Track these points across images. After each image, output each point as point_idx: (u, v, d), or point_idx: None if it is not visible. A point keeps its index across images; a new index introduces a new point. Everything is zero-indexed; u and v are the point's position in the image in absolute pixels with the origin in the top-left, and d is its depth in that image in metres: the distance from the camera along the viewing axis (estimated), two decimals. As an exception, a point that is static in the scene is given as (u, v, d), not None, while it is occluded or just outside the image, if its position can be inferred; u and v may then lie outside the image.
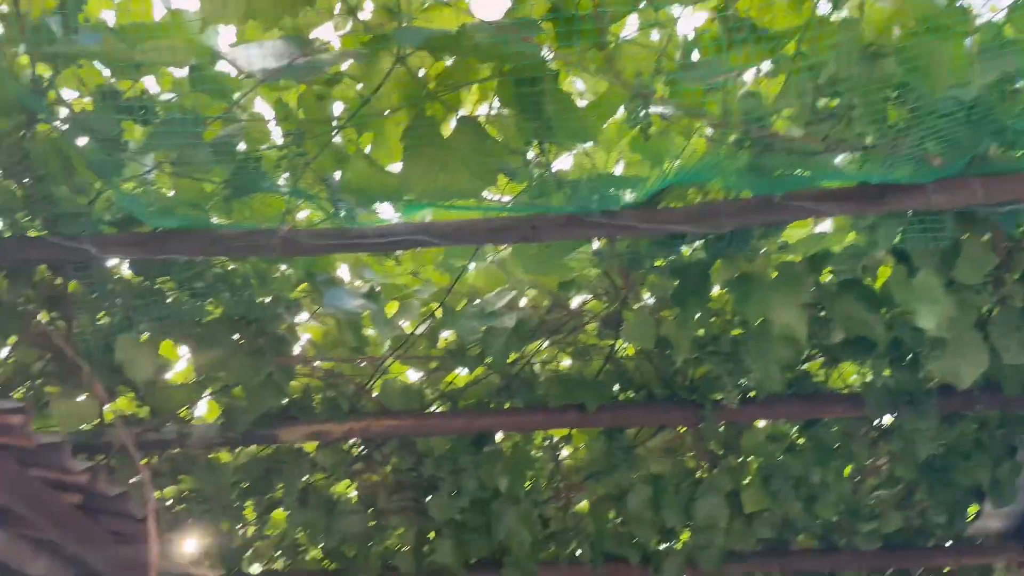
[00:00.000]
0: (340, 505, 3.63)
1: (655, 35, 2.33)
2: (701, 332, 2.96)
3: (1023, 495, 3.53)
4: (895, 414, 3.21)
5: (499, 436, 3.63)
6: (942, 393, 3.07)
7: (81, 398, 2.89)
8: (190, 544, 3.26)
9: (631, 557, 3.87)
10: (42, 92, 2.09)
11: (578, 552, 3.93)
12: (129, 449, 2.61)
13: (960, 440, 3.42)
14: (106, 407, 3.00)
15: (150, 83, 2.33)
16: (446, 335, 3.35)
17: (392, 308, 3.15)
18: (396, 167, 2.37)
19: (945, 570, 4.16)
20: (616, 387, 3.37)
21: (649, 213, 2.37)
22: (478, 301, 3.05)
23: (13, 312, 2.55)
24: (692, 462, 3.73)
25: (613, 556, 3.89)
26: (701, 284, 2.65)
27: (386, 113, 2.33)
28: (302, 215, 2.70)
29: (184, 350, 3.12)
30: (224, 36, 2.22)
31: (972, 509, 3.84)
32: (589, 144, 2.57)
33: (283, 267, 2.81)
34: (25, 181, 2.28)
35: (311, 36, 2.23)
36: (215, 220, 2.38)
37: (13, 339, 2.76)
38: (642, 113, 2.05)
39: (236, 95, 2.21)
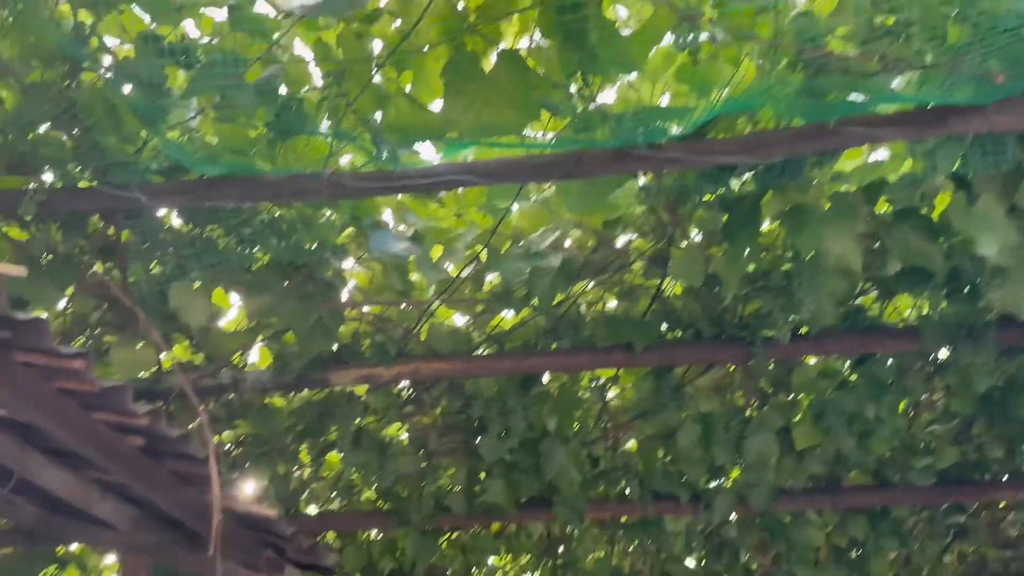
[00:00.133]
0: (392, 447, 3.70)
1: (702, -45, 2.24)
2: (751, 268, 2.90)
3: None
4: (952, 347, 3.14)
5: (546, 377, 3.64)
6: (1001, 325, 2.99)
7: (139, 346, 2.97)
8: (250, 486, 3.36)
9: (681, 495, 3.89)
10: (84, 40, 2.09)
11: (627, 491, 3.97)
12: (188, 393, 2.67)
13: (1019, 373, 3.33)
14: (163, 355, 3.07)
15: (190, 27, 2.33)
16: (491, 278, 3.35)
17: (437, 252, 3.16)
18: (437, 105, 2.34)
19: (1001, 504, 4.11)
20: (663, 326, 3.34)
21: (697, 145, 2.31)
22: (523, 242, 3.04)
23: (69, 263, 2.61)
24: (742, 400, 3.70)
25: (662, 495, 3.92)
26: (751, 218, 2.59)
27: (425, 49, 2.29)
28: (345, 160, 2.70)
29: (235, 298, 3.18)
30: (261, -24, 2.20)
31: (1031, 443, 3.77)
32: (634, 75, 2.50)
33: (328, 213, 2.82)
34: (73, 132, 2.31)
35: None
36: (260, 166, 2.39)
37: (71, 290, 2.83)
38: (690, 38, 1.98)
39: (275, 35, 2.19)
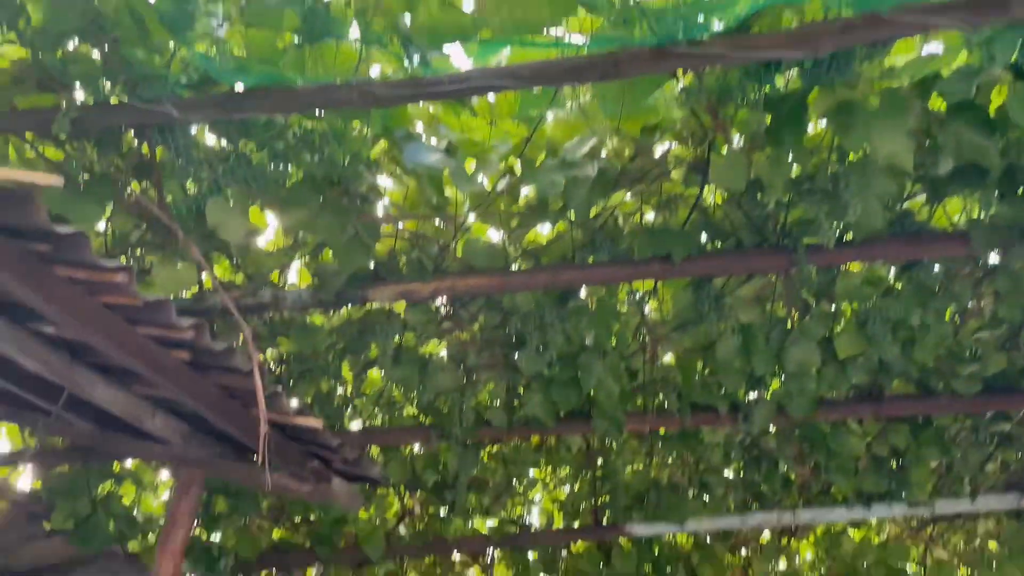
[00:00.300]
0: (432, 363, 3.73)
1: None
2: (796, 172, 2.81)
3: None
4: (1002, 251, 3.04)
5: (583, 292, 3.62)
6: (1057, 227, 2.88)
7: (180, 265, 2.99)
8: (294, 401, 3.42)
9: (719, 407, 3.89)
10: (107, -53, 2.04)
11: (665, 404, 3.98)
12: (230, 309, 2.70)
13: (1073, 277, 3.23)
14: (204, 274, 3.10)
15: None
16: (527, 191, 3.30)
17: (470, 165, 3.10)
18: (468, 5, 2.26)
19: (1047, 413, 4.05)
20: (703, 237, 3.28)
21: (740, 39, 2.20)
22: (558, 153, 2.97)
23: (106, 181, 2.61)
24: (782, 311, 3.65)
25: (701, 407, 3.92)
26: (797, 117, 2.49)
27: (455, -56, 2.20)
28: (375, 72, 2.64)
29: (272, 219, 3.18)
30: None
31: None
32: (674, -33, 2.37)
33: (360, 126, 2.77)
34: (102, 46, 2.28)
35: None
36: (290, 77, 2.34)
37: (109, 210, 2.85)
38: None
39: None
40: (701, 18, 2.24)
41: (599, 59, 2.24)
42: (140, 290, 2.11)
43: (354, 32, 2.31)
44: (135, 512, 4.31)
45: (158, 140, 2.53)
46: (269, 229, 3.45)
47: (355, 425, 4.19)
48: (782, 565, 5.59)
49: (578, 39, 2.43)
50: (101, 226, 3.07)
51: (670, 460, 4.74)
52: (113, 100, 2.39)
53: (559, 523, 5.24)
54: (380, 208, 3.17)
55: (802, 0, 2.23)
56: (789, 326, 3.57)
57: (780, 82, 2.46)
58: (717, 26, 2.25)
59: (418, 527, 4.89)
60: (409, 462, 4.44)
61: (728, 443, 4.37)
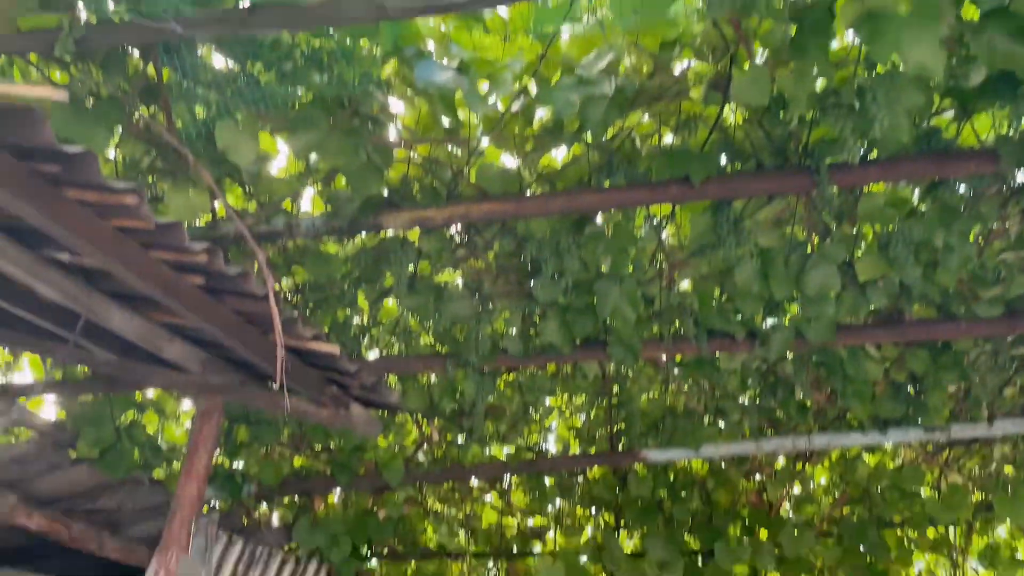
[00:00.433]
0: (447, 291, 3.71)
1: None
2: (821, 86, 2.72)
3: None
4: (1032, 169, 2.96)
5: (600, 217, 3.57)
6: (1091, 141, 2.79)
7: (192, 192, 2.96)
8: (310, 327, 3.43)
9: (736, 333, 3.87)
10: None
11: (681, 330, 3.95)
12: (244, 235, 2.67)
13: (1104, 195, 3.15)
14: (216, 200, 3.07)
15: None
16: (541, 114, 3.22)
17: (483, 85, 3.02)
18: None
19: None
20: (723, 159, 3.20)
21: (766, -58, 2.10)
22: (574, 70, 2.88)
23: (114, 104, 2.56)
24: (802, 234, 3.59)
25: (717, 333, 3.90)
26: (823, 27, 2.39)
27: None
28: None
29: (282, 144, 3.12)
30: None
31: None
32: None
33: (370, 44, 2.69)
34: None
35: None
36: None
37: (118, 135, 2.80)
38: None
39: None
40: (724, -79, 2.14)
41: (617, -34, 2.15)
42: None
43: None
44: (159, 441, 4.38)
45: (164, 61, 2.47)
46: (281, 156, 3.41)
47: (372, 355, 4.21)
48: (796, 490, 5.66)
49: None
50: (111, 154, 3.03)
51: (686, 387, 4.74)
52: (116, 19, 2.32)
53: (575, 450, 5.31)
54: (392, 132, 3.11)
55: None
56: (809, 250, 3.51)
57: (807, -11, 2.36)
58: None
59: (436, 454, 4.97)
60: (427, 390, 4.48)
61: (744, 369, 4.36)
